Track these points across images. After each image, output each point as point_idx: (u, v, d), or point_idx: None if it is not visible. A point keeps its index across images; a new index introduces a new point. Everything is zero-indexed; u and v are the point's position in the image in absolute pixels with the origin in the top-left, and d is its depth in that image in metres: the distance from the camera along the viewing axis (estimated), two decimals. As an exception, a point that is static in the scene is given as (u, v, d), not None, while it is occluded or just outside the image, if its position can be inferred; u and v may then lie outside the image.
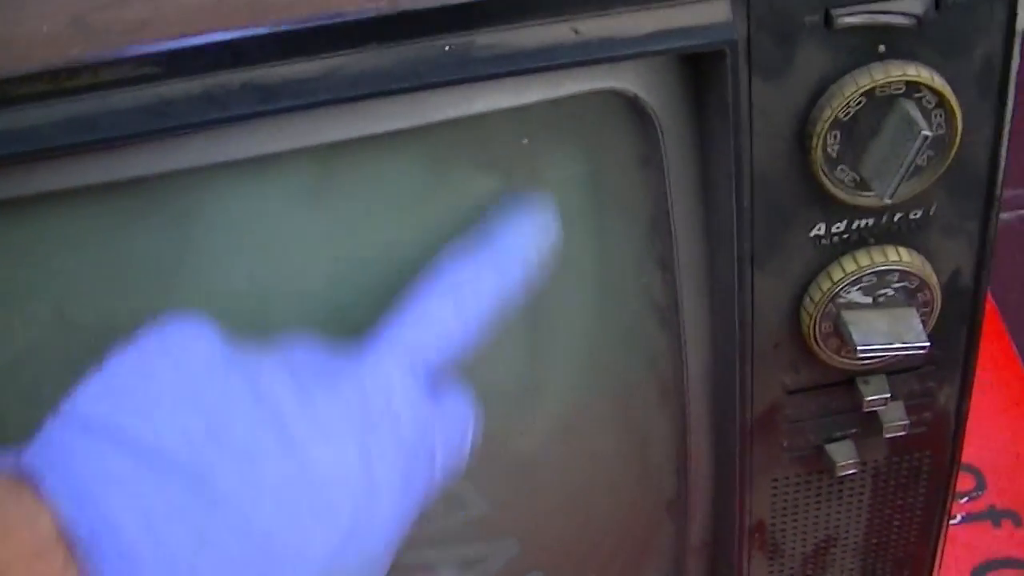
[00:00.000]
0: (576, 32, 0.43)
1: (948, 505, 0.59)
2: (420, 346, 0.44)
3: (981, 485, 0.85)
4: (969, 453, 0.59)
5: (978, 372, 0.55)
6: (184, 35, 0.41)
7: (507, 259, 0.46)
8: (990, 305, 0.86)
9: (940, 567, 0.62)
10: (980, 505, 0.84)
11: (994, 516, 0.84)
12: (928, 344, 0.50)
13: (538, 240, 0.47)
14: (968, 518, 0.84)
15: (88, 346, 0.48)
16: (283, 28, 0.41)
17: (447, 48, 0.42)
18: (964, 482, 0.84)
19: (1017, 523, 0.84)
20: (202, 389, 0.39)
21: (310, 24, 0.41)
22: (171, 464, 0.37)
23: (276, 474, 0.38)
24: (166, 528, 0.36)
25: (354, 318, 0.50)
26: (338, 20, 0.41)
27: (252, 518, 0.37)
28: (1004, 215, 0.54)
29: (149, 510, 0.36)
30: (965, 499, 0.84)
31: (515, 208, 0.47)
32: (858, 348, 0.50)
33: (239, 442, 0.38)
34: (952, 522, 0.63)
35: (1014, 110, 0.48)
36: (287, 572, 0.38)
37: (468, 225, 0.47)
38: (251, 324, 0.49)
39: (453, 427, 0.46)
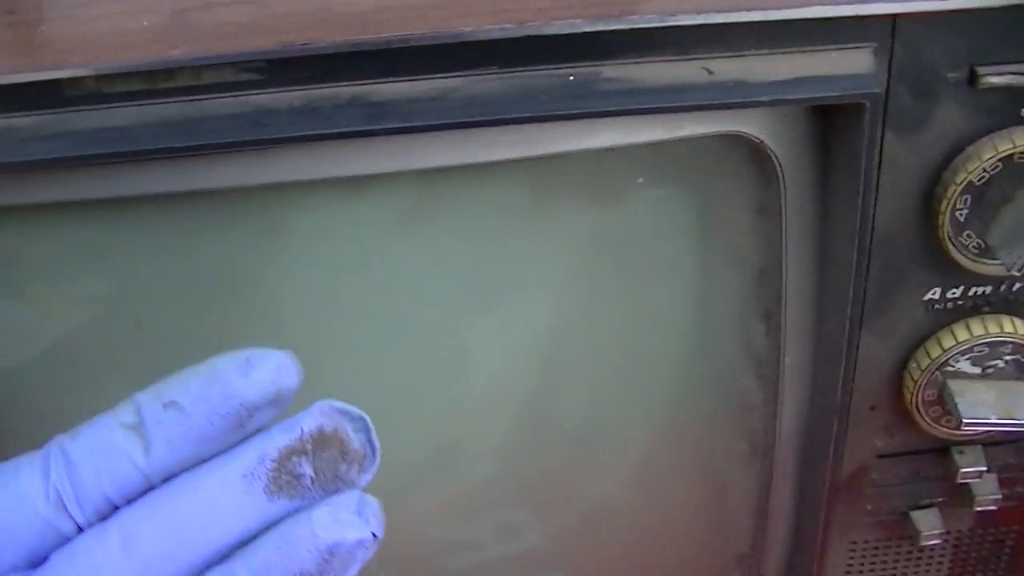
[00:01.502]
0: (709, 72, 0.40)
1: (1029, 581, 0.57)
2: None
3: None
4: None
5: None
6: (290, 42, 0.38)
7: None
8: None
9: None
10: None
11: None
12: (1038, 422, 0.47)
13: None
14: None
15: (160, 350, 0.46)
16: (396, 43, 0.39)
17: (571, 78, 0.39)
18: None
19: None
20: None
21: (426, 42, 0.38)
22: None
23: None
24: None
25: (432, 345, 0.48)
26: (458, 39, 0.39)
27: None
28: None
29: None
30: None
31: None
32: (963, 421, 0.47)
33: None
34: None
35: None
36: None
37: (563, 261, 0.44)
38: (320, 346, 0.47)
39: None
